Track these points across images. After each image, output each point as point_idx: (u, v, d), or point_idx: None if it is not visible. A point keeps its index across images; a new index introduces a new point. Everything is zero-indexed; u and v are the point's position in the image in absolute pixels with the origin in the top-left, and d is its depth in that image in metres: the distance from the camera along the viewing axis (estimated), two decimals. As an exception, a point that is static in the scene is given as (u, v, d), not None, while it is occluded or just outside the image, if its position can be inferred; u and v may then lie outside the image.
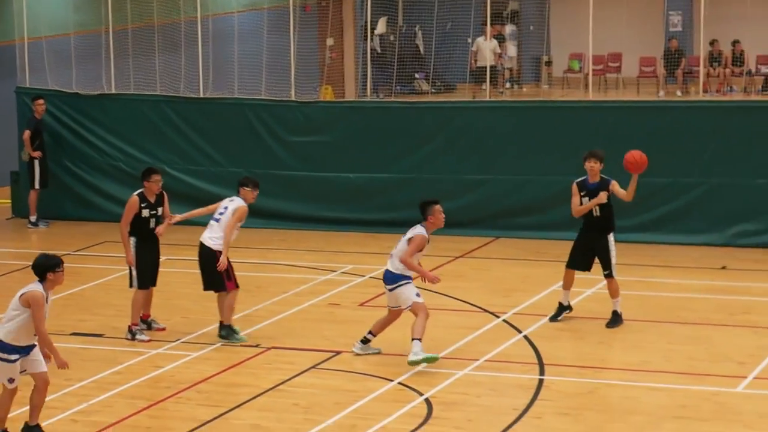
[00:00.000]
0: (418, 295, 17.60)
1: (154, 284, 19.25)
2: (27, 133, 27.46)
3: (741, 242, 24.68)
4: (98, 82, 28.48)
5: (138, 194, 19.12)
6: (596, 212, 19.26)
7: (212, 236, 18.81)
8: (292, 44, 27.58)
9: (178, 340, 18.99)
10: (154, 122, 27.59)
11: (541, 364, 17.50)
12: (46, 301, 14.40)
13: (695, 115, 25.29)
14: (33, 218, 27.54)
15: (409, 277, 17.62)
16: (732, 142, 24.74)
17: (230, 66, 28.58)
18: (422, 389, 16.62)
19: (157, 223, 19.16)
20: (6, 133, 29.23)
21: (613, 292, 19.14)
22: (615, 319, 18.99)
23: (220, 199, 19.58)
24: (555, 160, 25.02)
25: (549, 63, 34.45)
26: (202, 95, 27.73)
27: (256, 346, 18.54)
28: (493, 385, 16.87)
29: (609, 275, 19.14)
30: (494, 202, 25.51)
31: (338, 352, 18.23)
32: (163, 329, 19.39)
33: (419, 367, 17.39)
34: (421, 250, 17.73)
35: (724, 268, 23.15)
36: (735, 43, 33.95)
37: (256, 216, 26.03)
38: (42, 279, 14.44)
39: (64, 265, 14.54)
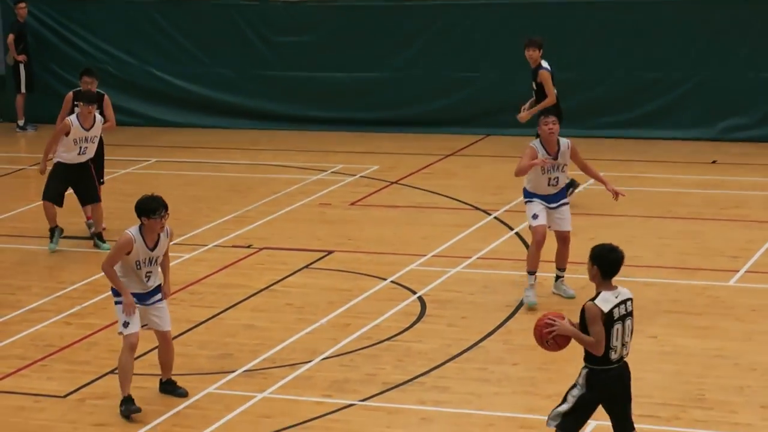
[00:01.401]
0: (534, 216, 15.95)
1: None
2: (11, 37, 27.31)
3: (731, 136, 24.66)
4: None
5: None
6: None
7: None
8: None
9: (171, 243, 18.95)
10: (140, 24, 27.38)
11: (534, 261, 17.53)
12: (151, 247, 13.20)
13: (684, 8, 25.13)
14: (21, 122, 27.48)
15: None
16: (721, 36, 24.64)
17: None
18: (415, 287, 16.65)
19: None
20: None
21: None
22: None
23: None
24: (546, 54, 24.87)
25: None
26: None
27: (248, 246, 18.54)
28: (486, 282, 16.90)
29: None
30: (483, 99, 25.41)
31: (330, 252, 18.24)
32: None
33: (412, 265, 17.42)
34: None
35: (714, 162, 23.16)
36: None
37: (244, 117, 26.10)
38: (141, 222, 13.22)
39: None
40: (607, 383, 10.84)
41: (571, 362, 14.11)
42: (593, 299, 10.69)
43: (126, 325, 13.10)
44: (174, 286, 16.68)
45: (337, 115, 26.03)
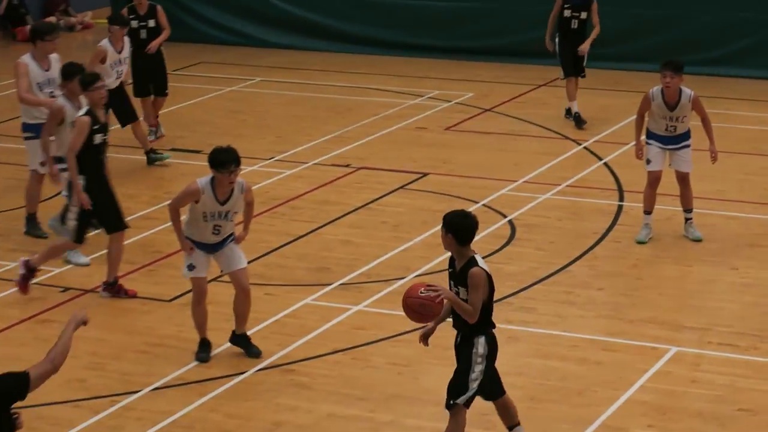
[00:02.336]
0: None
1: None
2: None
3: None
4: None
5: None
6: (575, 24, 20.79)
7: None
8: None
9: (272, 158, 19.15)
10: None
11: (621, 191, 17.54)
12: (222, 201, 12.20)
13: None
14: (131, 38, 27.64)
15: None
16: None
17: None
18: (506, 211, 16.72)
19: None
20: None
21: None
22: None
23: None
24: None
25: None
26: None
27: (346, 166, 18.66)
28: (574, 209, 16.94)
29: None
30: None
31: (425, 174, 18.31)
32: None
33: (503, 190, 17.47)
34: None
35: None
36: None
37: (345, 41, 26.10)
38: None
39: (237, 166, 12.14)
40: (495, 344, 10.46)
41: (653, 289, 14.25)
42: (475, 264, 10.17)
43: (191, 268, 12.46)
44: (274, 200, 16.99)
45: (435, 42, 25.94)
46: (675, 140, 15.62)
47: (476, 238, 15.46)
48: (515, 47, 25.07)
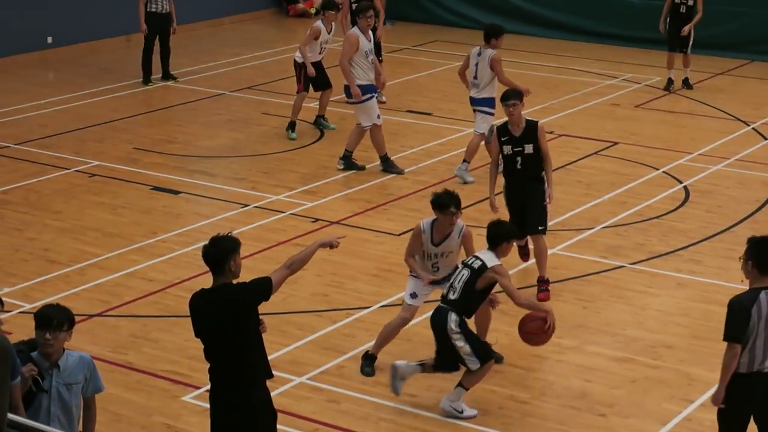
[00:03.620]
0: None
1: None
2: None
3: None
4: None
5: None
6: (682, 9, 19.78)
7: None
8: None
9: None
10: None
11: (782, 166, 17.00)
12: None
13: None
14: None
15: None
16: None
17: None
18: (682, 178, 16.31)
19: None
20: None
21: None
22: None
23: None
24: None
25: None
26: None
27: (551, 132, 18.37)
28: (740, 180, 16.44)
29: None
30: (751, 28, 24.43)
31: (615, 143, 17.97)
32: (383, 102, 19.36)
33: (681, 160, 17.06)
34: None
35: None
36: None
37: (555, 28, 25.72)
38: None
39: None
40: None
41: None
42: None
43: (413, 296, 10.87)
44: (485, 159, 16.79)
45: (629, 33, 25.39)
46: None
47: (655, 198, 15.32)
48: (697, 40, 24.39)
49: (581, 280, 12.89)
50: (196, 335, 8.15)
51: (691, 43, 21.17)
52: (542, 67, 23.22)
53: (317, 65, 18.03)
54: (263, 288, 7.95)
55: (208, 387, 8.25)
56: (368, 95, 16.14)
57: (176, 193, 15.66)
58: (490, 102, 15.92)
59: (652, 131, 18.61)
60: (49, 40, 23.59)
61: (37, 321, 7.63)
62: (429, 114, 19.43)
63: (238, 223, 14.40)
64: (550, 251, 13.30)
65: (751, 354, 8.21)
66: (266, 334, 8.27)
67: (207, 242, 8.06)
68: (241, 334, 7.94)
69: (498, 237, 10.16)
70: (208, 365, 8.18)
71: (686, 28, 20.99)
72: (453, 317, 9.95)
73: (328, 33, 18.00)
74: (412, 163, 16.81)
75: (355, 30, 16.19)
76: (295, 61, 18.06)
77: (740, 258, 8.35)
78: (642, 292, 12.64)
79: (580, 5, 25.97)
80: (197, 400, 10.32)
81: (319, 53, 18.07)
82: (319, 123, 18.60)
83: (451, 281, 10.24)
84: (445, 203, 10.47)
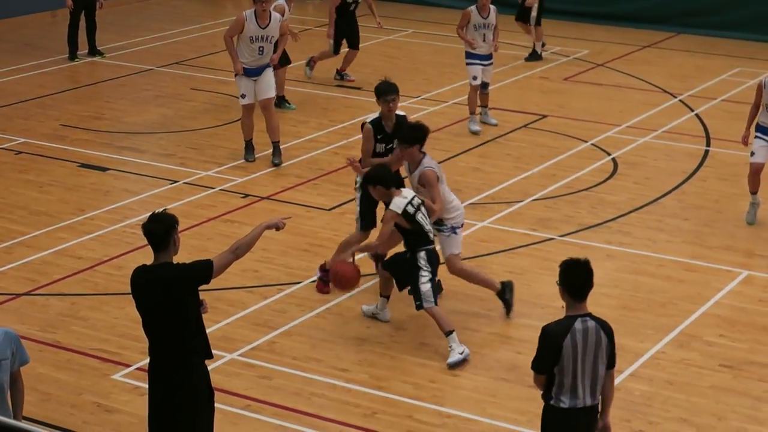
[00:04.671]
0: None
1: None
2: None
3: None
4: None
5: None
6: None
7: None
8: None
9: (419, 96, 19.01)
10: None
11: (708, 138, 17.12)
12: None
13: None
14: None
15: None
16: None
17: None
18: (610, 150, 16.43)
19: None
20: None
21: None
22: None
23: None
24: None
25: None
26: None
27: (484, 106, 18.43)
28: (667, 152, 16.59)
29: None
30: (676, 3, 24.58)
31: (544, 116, 18.05)
32: (353, 80, 19.58)
33: (609, 132, 17.17)
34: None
35: None
36: None
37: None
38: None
39: None
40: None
41: (731, 222, 13.91)
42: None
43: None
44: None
45: (558, 6, 25.48)
46: None
47: (584, 170, 15.43)
48: (625, 13, 24.56)
49: (511, 252, 12.95)
50: (137, 310, 8.08)
51: (533, 15, 21.25)
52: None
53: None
54: (204, 270, 7.91)
55: (140, 365, 8.23)
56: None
57: (104, 170, 15.52)
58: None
59: (581, 104, 18.71)
60: (-27, 16, 23.27)
61: None
62: (359, 89, 19.39)
63: (167, 199, 14.31)
64: (480, 224, 13.38)
65: (573, 392, 7.59)
66: (200, 311, 8.23)
67: (147, 219, 7.96)
68: (180, 314, 7.90)
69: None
70: (140, 343, 8.14)
71: (530, 0, 21.17)
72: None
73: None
74: (342, 138, 16.79)
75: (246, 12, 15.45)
76: None
77: (556, 282, 7.75)
78: (571, 264, 12.71)
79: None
80: (128, 378, 10.25)
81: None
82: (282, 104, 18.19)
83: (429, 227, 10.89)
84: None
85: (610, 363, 7.73)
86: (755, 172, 13.85)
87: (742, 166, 15.51)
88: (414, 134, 11.16)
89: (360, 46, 19.85)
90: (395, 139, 11.61)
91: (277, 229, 8.36)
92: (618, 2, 24.90)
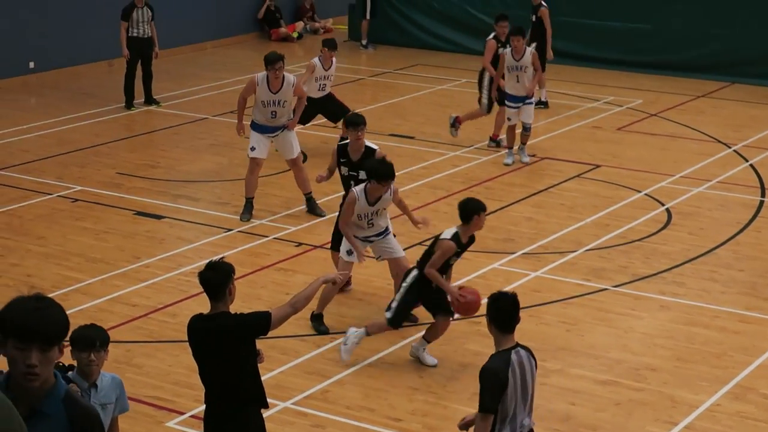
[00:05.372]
0: None
1: None
2: (362, -25, 27.56)
3: None
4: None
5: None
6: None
7: None
8: None
9: (472, 146, 19.06)
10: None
11: (763, 188, 17.04)
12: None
13: None
14: (364, 42, 27.74)
15: None
16: None
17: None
18: (664, 200, 16.38)
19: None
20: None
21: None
22: None
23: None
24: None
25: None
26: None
27: (533, 155, 18.47)
28: (721, 202, 16.52)
29: None
30: (731, 52, 24.58)
31: (598, 166, 18.04)
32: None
33: (663, 183, 17.12)
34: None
35: None
36: None
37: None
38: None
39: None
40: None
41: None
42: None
43: (350, 253, 12.03)
44: (472, 181, 16.89)
45: (611, 56, 25.53)
46: None
47: (638, 220, 15.37)
48: (679, 62, 24.54)
49: (564, 302, 12.91)
50: (194, 357, 8.14)
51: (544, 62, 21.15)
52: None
53: (324, 99, 18.08)
54: (262, 322, 7.94)
55: (194, 412, 8.26)
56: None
57: (159, 217, 15.66)
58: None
59: (634, 153, 18.69)
60: (31, 65, 23.60)
61: (77, 342, 7.61)
62: (412, 138, 19.47)
63: (221, 247, 14.40)
64: (533, 274, 13.37)
65: (513, 421, 7.59)
66: (254, 360, 8.27)
67: (204, 268, 8.02)
68: (236, 363, 7.94)
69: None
70: (194, 390, 8.19)
71: (549, 51, 21.55)
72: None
73: (325, 69, 17.97)
74: (397, 186, 16.80)
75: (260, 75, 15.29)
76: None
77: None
78: (625, 315, 12.68)
79: (562, 28, 26.06)
80: (182, 425, 10.30)
81: (319, 89, 18.03)
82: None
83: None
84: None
85: None
86: None
87: (797, 216, 15.42)
88: (386, 170, 11.87)
89: (414, 95, 19.92)
90: (360, 169, 12.67)
91: (334, 283, 8.42)
92: (671, 52, 24.90)
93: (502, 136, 18.68)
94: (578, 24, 26.05)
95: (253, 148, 15.39)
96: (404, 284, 11.38)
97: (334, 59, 18.13)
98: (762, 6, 24.25)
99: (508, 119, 18.05)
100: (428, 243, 11.91)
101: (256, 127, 15.44)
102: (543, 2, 21.82)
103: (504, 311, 7.65)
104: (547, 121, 20.75)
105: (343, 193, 12.98)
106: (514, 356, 7.59)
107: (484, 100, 19.16)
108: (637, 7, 25.42)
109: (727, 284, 13.54)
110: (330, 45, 17.95)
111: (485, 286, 13.21)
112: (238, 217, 15.50)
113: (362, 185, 12.09)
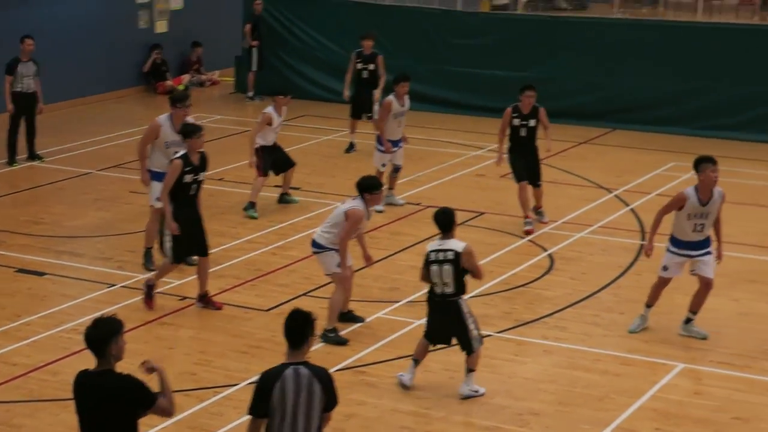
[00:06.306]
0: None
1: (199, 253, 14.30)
2: (248, 26, 27.59)
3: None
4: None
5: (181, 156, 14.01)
6: (522, 132, 17.60)
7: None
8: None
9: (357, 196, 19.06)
10: (347, 21, 27.34)
11: (643, 232, 17.34)
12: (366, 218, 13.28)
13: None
14: (250, 94, 27.75)
15: None
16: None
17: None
18: (546, 246, 16.59)
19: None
20: (232, 26, 29.41)
21: (539, 197, 17.72)
22: None
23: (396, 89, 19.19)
24: (664, 68, 24.55)
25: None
26: (387, 3, 27.60)
27: (418, 204, 18.60)
28: (603, 246, 16.78)
29: (539, 186, 17.63)
30: (612, 100, 25.05)
31: (482, 213, 18.22)
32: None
33: (546, 228, 17.32)
34: (681, 209, 13.13)
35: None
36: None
37: (423, 101, 25.97)
38: (362, 197, 13.04)
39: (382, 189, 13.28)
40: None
41: (665, 315, 14.02)
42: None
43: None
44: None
45: (495, 104, 25.78)
46: (700, 245, 13.21)
47: (521, 266, 15.54)
48: (561, 110, 24.92)
49: (448, 350, 12.95)
50: (76, 412, 7.99)
51: (376, 108, 21.89)
52: (410, 139, 23.42)
53: (273, 148, 18.20)
54: (145, 400, 7.79)
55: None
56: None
57: (41, 274, 15.45)
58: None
59: (517, 201, 18.85)
60: None
61: None
62: (298, 188, 19.47)
63: (104, 303, 14.24)
64: (417, 322, 13.42)
65: None
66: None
67: (90, 324, 7.91)
68: (116, 423, 7.82)
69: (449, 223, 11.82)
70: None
71: (377, 93, 22.17)
72: (464, 304, 11.83)
73: (279, 116, 18.15)
74: (281, 238, 16.83)
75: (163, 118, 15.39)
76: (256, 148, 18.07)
77: None
78: (509, 360, 12.79)
79: (446, 78, 26.40)
80: (61, 485, 10.13)
81: (273, 139, 18.20)
82: (284, 199, 18.75)
83: (435, 281, 11.77)
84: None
85: (327, 407, 7.95)
86: (664, 284, 13.55)
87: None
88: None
89: (300, 146, 19.95)
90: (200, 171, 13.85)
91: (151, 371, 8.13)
92: (554, 99, 25.19)
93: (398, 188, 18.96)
94: (462, 73, 26.37)
95: (158, 199, 14.88)
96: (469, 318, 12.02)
97: (284, 107, 18.35)
98: (639, 56, 24.75)
99: (383, 165, 18.40)
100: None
101: (157, 176, 15.15)
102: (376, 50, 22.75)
103: (288, 328, 7.89)
104: (432, 170, 20.92)
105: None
106: (289, 371, 7.80)
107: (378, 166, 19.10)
108: (520, 57, 25.79)
109: (608, 327, 13.73)
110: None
111: (370, 335, 13.27)
112: (141, 265, 15.56)
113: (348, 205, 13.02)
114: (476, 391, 11.82)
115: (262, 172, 18.13)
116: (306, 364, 7.87)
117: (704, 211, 13.07)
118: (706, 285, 13.30)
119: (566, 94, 24.98)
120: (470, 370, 11.88)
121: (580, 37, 25.58)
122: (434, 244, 11.81)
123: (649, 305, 13.70)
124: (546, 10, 29.22)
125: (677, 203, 13.11)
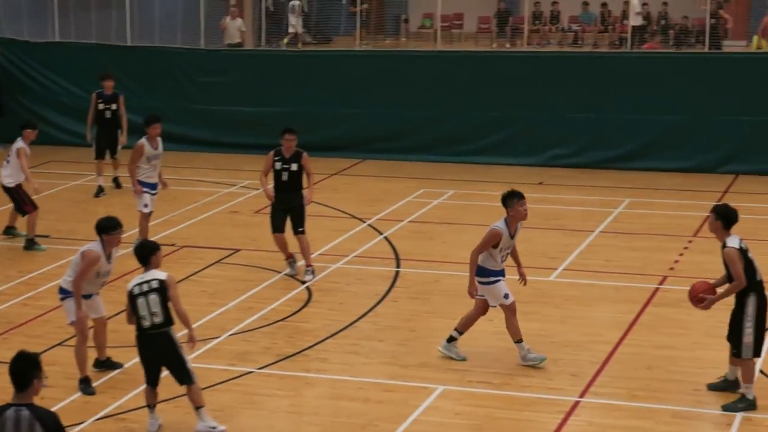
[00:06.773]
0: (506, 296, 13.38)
1: None
2: (-15, 73, 26.94)
3: (554, 163, 24.91)
4: (45, 32, 27.91)
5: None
6: (284, 177, 16.87)
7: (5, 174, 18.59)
8: (202, 5, 27.23)
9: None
10: (90, 65, 26.96)
11: (398, 259, 17.61)
12: (108, 260, 12.85)
13: (519, 62, 25.41)
14: (-10, 141, 27.00)
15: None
16: (549, 84, 24.92)
17: (153, 20, 28.19)
18: (303, 279, 16.64)
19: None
20: (-32, 73, 28.60)
21: (305, 250, 16.87)
22: None
23: (142, 126, 18.99)
24: (410, 97, 25.07)
25: (407, 20, 34.00)
26: (129, 43, 27.32)
27: (173, 245, 18.42)
28: (360, 276, 16.95)
29: (302, 232, 16.83)
30: (360, 131, 25.47)
31: (237, 250, 18.18)
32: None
33: (302, 261, 17.36)
34: (496, 246, 13.18)
35: (540, 183, 23.37)
36: (554, 3, 32.90)
37: (173, 141, 25.78)
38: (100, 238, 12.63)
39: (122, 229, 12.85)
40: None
41: (424, 339, 14.25)
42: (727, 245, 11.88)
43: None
44: (112, 275, 16.58)
45: (246, 140, 25.89)
46: (503, 272, 13.41)
47: (280, 300, 15.53)
48: (312, 143, 25.09)
49: (211, 389, 12.83)
50: None
51: (119, 147, 22.32)
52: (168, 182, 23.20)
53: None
54: None
55: None
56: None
57: None
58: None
59: (271, 236, 18.88)
60: None
61: None
62: (47, 236, 18.98)
63: None
64: (177, 364, 13.21)
65: None
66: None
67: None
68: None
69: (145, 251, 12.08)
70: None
71: (123, 137, 22.42)
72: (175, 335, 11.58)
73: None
74: (31, 288, 16.37)
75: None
76: (4, 186, 18.20)
77: None
78: (271, 396, 12.73)
79: (195, 116, 26.29)
80: None
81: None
82: (31, 247, 18.45)
83: (142, 314, 11.55)
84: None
85: None
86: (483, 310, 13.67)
87: (431, 284, 16.05)
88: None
89: (49, 192, 19.50)
90: None
91: None
92: (304, 132, 25.30)
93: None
94: (211, 111, 26.34)
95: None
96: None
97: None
98: (385, 86, 25.21)
99: (145, 206, 17.90)
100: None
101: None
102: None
103: (13, 370, 7.88)
104: (185, 209, 20.76)
105: None
106: (10, 413, 7.76)
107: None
108: (267, 93, 25.91)
109: (368, 356, 13.84)
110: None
111: (130, 381, 13.01)
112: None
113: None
114: (213, 428, 11.54)
115: (32, 205, 18.33)
116: (30, 406, 7.79)
117: (511, 243, 13.31)
118: (485, 309, 13.58)
119: (315, 128, 25.22)
120: (198, 407, 11.64)
121: (325, 70, 25.89)
122: (136, 279, 11.78)
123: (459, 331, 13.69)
124: (290, 45, 29.44)
125: (493, 239, 13.09)
